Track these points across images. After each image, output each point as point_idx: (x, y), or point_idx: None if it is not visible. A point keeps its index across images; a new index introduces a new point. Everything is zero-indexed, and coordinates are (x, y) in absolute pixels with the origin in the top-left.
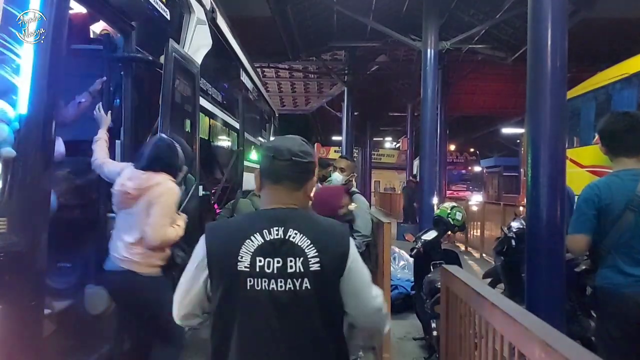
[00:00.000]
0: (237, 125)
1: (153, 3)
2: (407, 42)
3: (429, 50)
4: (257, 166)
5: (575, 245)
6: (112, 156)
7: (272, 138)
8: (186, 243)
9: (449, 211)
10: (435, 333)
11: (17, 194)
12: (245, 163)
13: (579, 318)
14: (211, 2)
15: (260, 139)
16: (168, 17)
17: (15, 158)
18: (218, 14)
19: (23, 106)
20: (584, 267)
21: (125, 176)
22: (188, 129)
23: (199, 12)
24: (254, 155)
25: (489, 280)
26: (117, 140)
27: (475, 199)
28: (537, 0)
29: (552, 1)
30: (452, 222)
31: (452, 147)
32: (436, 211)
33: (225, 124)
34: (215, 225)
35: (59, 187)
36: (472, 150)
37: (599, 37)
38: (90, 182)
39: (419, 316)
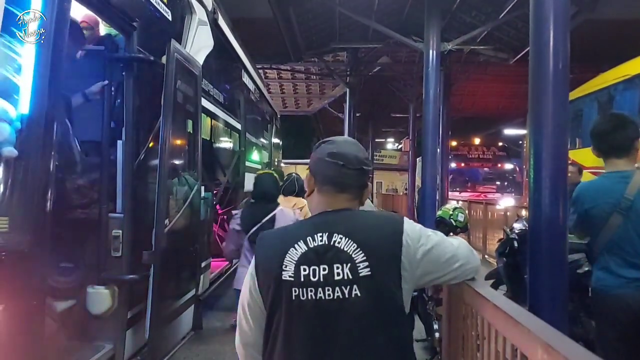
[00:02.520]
0: (238, 126)
1: (154, 4)
2: (409, 44)
3: (430, 52)
4: (259, 167)
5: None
6: (114, 157)
7: (274, 140)
8: None
9: (451, 212)
10: (437, 335)
11: (19, 194)
12: (247, 164)
13: (581, 319)
14: (213, 3)
15: (261, 139)
16: (170, 18)
17: (17, 158)
18: (219, 14)
19: (25, 106)
20: (586, 269)
21: None
22: (190, 129)
23: (200, 13)
24: (255, 155)
25: (491, 281)
26: (118, 141)
27: (506, 203)
28: (539, 1)
29: (554, 2)
30: (454, 224)
31: (477, 141)
32: (438, 212)
33: (227, 124)
34: (265, 234)
35: (61, 187)
36: (500, 144)
37: (601, 38)
38: (92, 182)
39: (421, 318)
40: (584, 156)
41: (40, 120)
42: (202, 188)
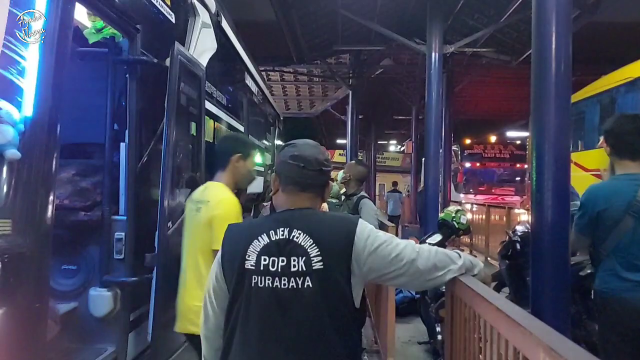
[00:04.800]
0: (241, 129)
1: (158, 6)
2: (412, 46)
3: (433, 54)
4: (262, 169)
5: (576, 244)
6: (117, 159)
7: (277, 142)
8: None
9: (453, 215)
10: (439, 337)
11: (22, 196)
12: None
13: (584, 322)
14: (216, 6)
15: (264, 142)
16: (173, 21)
17: (20, 160)
18: (223, 17)
19: (28, 108)
20: (588, 271)
21: None
22: (193, 132)
23: (204, 16)
24: (258, 158)
25: (493, 284)
26: (122, 143)
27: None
28: (541, 3)
29: (556, 5)
30: (456, 226)
31: (493, 139)
32: (440, 215)
33: (230, 127)
34: (232, 225)
35: (64, 190)
36: (519, 143)
37: (604, 40)
38: (95, 185)
39: (423, 320)
40: (585, 158)
41: (44, 122)
42: None
